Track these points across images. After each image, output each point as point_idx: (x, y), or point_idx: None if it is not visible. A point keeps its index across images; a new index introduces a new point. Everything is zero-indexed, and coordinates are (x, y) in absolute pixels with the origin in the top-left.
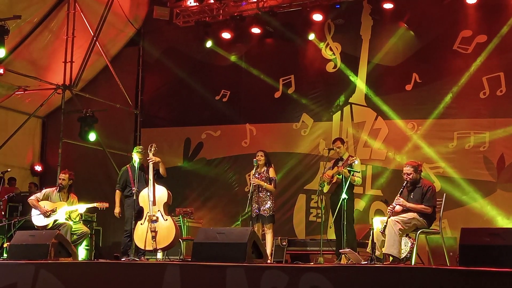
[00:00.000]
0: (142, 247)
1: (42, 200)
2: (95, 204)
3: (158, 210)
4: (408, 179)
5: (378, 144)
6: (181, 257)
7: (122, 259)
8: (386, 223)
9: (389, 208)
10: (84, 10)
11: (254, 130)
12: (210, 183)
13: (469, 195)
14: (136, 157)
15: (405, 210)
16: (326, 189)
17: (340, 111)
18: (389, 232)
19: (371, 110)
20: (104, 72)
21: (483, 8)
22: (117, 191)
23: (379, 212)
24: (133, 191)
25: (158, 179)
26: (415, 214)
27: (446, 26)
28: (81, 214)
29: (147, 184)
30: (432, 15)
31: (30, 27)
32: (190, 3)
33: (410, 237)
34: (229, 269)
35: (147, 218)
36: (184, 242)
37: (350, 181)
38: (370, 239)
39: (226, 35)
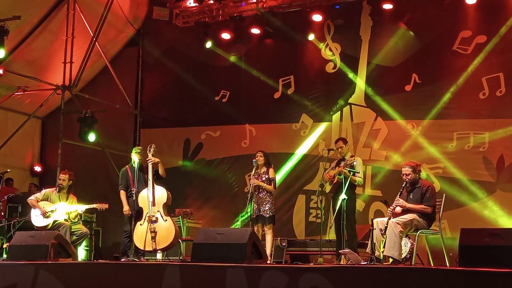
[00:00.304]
0: (142, 248)
1: (41, 200)
2: (94, 205)
3: (158, 211)
4: (407, 179)
5: (377, 144)
6: (181, 258)
7: (121, 260)
8: (387, 224)
9: (389, 209)
10: (83, 11)
11: (253, 131)
12: (210, 183)
13: (469, 195)
14: (135, 158)
15: (405, 210)
16: (328, 189)
17: (339, 112)
18: (389, 234)
19: (371, 110)
20: (103, 72)
21: (483, 9)
22: (121, 191)
23: (379, 213)
24: (133, 192)
25: (158, 179)
26: (415, 215)
27: (445, 26)
28: (80, 215)
29: (146, 185)
30: (432, 15)
31: (30, 28)
32: (190, 3)
33: (409, 238)
34: (229, 269)
35: (147, 218)
36: (184, 242)
37: (351, 182)
38: (369, 240)
39: (225, 36)
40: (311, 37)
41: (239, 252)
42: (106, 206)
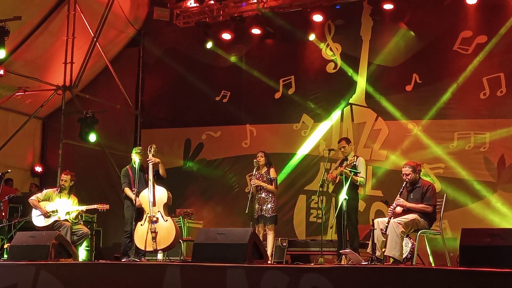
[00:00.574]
0: (142, 248)
1: (42, 200)
2: (95, 206)
3: (158, 211)
4: (407, 179)
5: (378, 144)
6: (182, 258)
7: (122, 260)
8: (388, 223)
9: (389, 209)
10: (84, 11)
11: (254, 131)
12: (211, 183)
13: (470, 195)
14: (136, 158)
15: (406, 210)
16: (331, 189)
17: (340, 112)
18: (391, 234)
19: (372, 110)
20: (104, 73)
21: (483, 9)
22: (126, 188)
23: (380, 213)
24: (134, 192)
25: (158, 180)
26: (416, 215)
27: (446, 26)
28: (81, 215)
29: (147, 185)
30: (432, 15)
31: (31, 28)
32: (190, 4)
33: (410, 238)
34: (230, 269)
35: (147, 219)
36: (185, 242)
37: (353, 182)
38: (370, 240)
39: (226, 36)
40: (312, 37)
41: (239, 252)
42: (107, 207)
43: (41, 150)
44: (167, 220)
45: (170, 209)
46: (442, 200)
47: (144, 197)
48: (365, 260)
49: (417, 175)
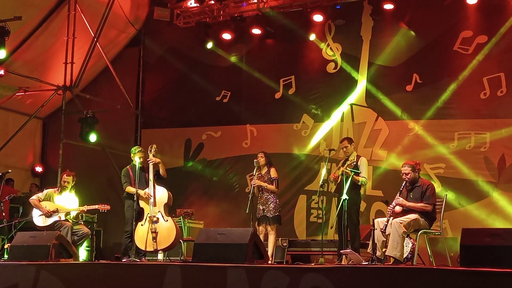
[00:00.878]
0: (143, 248)
1: (43, 200)
2: (96, 206)
3: (159, 211)
4: (406, 178)
5: (378, 144)
6: (182, 258)
7: (122, 260)
8: (387, 222)
9: (388, 208)
10: (84, 11)
11: (254, 131)
12: (211, 184)
13: (470, 195)
14: (136, 158)
15: (405, 210)
16: (333, 189)
17: (340, 112)
18: (392, 234)
19: (372, 110)
20: (104, 73)
21: (484, 9)
22: (129, 186)
23: (380, 213)
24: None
25: (158, 180)
26: (417, 215)
27: (446, 26)
28: (81, 215)
29: (147, 185)
30: (433, 15)
31: (31, 28)
32: (191, 4)
33: (411, 238)
34: (230, 270)
35: (148, 219)
36: (185, 243)
37: (355, 182)
38: (371, 240)
39: (226, 36)
40: (312, 37)
41: (240, 253)
42: (108, 207)
43: (42, 150)
44: (167, 220)
45: (170, 209)
46: (442, 200)
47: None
48: (365, 260)
49: (417, 174)
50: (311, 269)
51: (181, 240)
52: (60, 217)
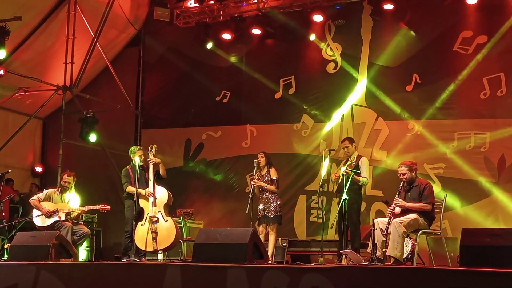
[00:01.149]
0: (143, 248)
1: (43, 200)
2: (96, 206)
3: (159, 211)
4: (403, 179)
5: (378, 144)
6: (182, 258)
7: (122, 260)
8: (388, 224)
9: (389, 209)
10: (84, 11)
11: (254, 131)
12: (211, 184)
13: (470, 195)
14: (136, 158)
15: (405, 210)
16: (335, 189)
17: (340, 112)
18: (393, 234)
19: (372, 110)
20: (104, 73)
21: (484, 9)
22: (129, 186)
23: (380, 213)
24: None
25: (158, 180)
26: (417, 215)
27: (446, 26)
28: (81, 215)
29: (147, 185)
30: (433, 15)
31: (31, 28)
32: (191, 4)
33: (410, 238)
34: (230, 270)
35: (148, 219)
36: (185, 243)
37: (356, 182)
38: (371, 240)
39: (226, 36)
40: (312, 37)
41: (240, 253)
42: (108, 208)
43: (42, 150)
44: (167, 220)
45: (170, 209)
46: (442, 200)
47: (145, 197)
48: (365, 260)
49: (414, 174)
50: (311, 269)
51: (181, 240)
52: (60, 217)
